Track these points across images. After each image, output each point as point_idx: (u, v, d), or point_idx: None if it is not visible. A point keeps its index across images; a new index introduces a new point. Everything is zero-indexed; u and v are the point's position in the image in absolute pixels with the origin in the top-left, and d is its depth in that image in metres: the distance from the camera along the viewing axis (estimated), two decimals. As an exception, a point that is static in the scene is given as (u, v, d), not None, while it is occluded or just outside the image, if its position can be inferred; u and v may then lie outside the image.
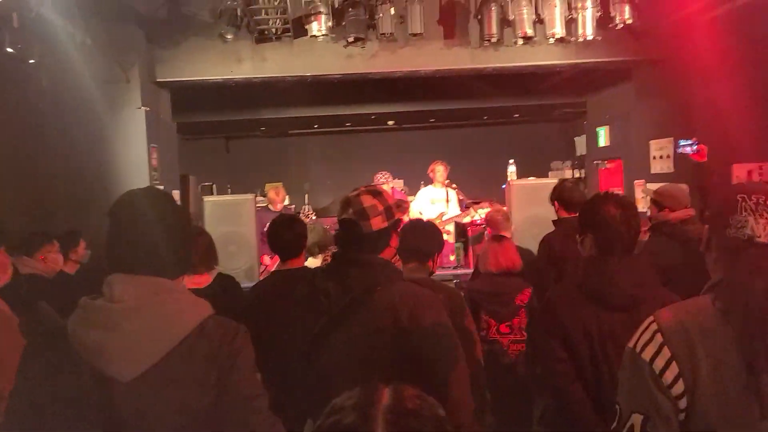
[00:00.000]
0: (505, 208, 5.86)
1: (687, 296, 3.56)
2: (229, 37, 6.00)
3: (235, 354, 1.58)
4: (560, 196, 4.46)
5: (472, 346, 3.02)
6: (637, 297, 2.29)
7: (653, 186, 6.64)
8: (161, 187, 6.23)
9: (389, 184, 7.75)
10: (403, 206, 6.60)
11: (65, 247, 4.69)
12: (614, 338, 2.27)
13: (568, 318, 2.35)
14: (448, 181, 7.49)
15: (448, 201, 7.41)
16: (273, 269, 6.65)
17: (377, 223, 2.23)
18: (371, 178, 7.87)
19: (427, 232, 3.32)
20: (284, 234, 3.37)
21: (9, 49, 4.08)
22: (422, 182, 10.76)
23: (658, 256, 3.86)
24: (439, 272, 6.26)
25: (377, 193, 2.32)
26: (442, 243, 3.35)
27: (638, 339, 1.61)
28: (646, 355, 1.56)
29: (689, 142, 4.17)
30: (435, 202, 7.44)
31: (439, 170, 7.46)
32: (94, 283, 4.25)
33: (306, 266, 3.48)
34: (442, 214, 7.31)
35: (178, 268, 1.64)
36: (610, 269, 2.33)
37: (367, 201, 2.25)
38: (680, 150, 4.25)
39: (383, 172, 7.93)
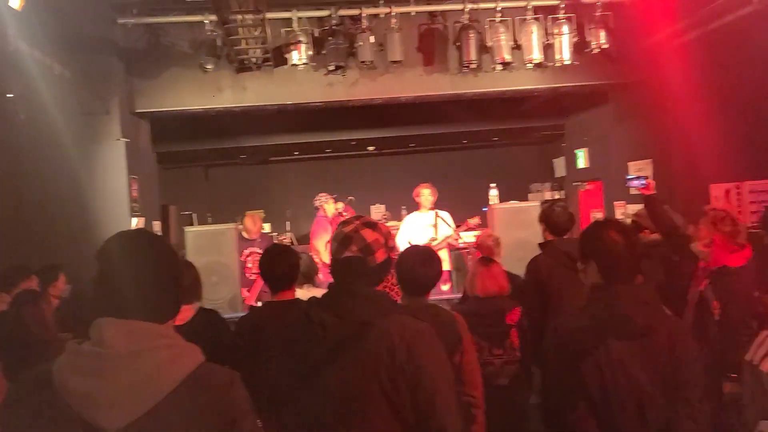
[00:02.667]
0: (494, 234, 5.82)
1: (675, 313, 3.63)
2: (209, 67, 6.00)
3: (233, 407, 1.54)
4: (548, 219, 4.48)
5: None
6: (646, 325, 2.28)
7: (633, 207, 6.74)
8: (142, 218, 6.17)
9: (329, 203, 7.43)
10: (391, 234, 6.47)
11: (44, 282, 4.60)
12: (624, 367, 2.25)
13: (576, 346, 2.32)
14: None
15: (436, 226, 7.26)
16: (252, 301, 6.65)
17: (381, 255, 2.24)
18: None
19: (430, 260, 3.31)
20: (279, 265, 3.30)
21: (-14, 84, 4.03)
22: (403, 207, 10.83)
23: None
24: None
25: (374, 226, 2.32)
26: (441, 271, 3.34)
27: (755, 352, 1.62)
28: (765, 366, 1.56)
29: (637, 176, 4.29)
30: (420, 228, 6.99)
31: (425, 194, 7.00)
32: (75, 320, 4.14)
33: (298, 298, 3.42)
34: (431, 240, 7.13)
35: (167, 312, 1.60)
36: (617, 297, 2.31)
37: (370, 236, 2.25)
38: (629, 184, 4.35)
39: (324, 194, 7.55)
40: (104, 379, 1.45)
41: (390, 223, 8.10)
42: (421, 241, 6.93)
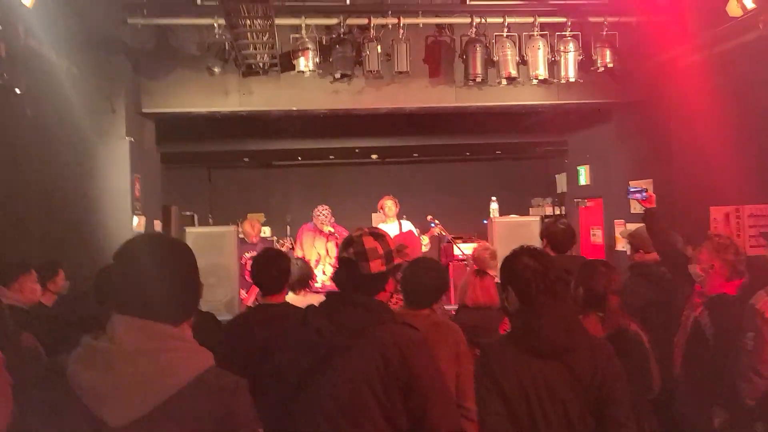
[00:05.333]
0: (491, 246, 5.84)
1: (658, 334, 3.64)
2: (216, 70, 6.03)
3: (237, 413, 1.56)
4: (551, 235, 4.52)
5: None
6: (567, 344, 2.33)
7: (632, 226, 6.75)
8: (143, 217, 6.19)
9: (327, 224, 7.21)
10: (403, 251, 6.51)
11: (43, 278, 4.59)
12: (549, 387, 2.29)
13: (501, 371, 2.35)
14: (430, 216, 7.42)
15: (401, 233, 7.22)
16: (250, 303, 6.67)
17: (376, 266, 2.27)
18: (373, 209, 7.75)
19: (436, 271, 3.34)
20: (269, 269, 3.35)
21: (-5, 79, 4.06)
22: (404, 216, 10.84)
23: (632, 296, 3.93)
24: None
25: (379, 236, 2.34)
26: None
27: None
28: None
29: (638, 188, 4.31)
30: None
31: (388, 205, 7.27)
32: (73, 316, 4.16)
33: (287, 302, 3.45)
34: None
35: (181, 314, 1.62)
36: (535, 319, 2.35)
37: (369, 243, 2.28)
38: (630, 196, 4.38)
39: (324, 206, 7.38)
40: (111, 375, 1.48)
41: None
42: None
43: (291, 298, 4.48)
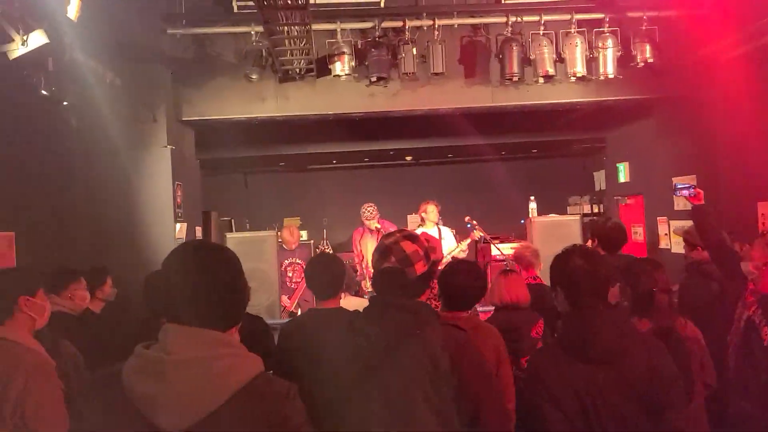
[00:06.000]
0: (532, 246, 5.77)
1: (717, 332, 3.56)
2: (253, 77, 6.10)
3: (289, 419, 1.57)
4: (601, 234, 4.44)
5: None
6: (618, 348, 2.26)
7: (676, 223, 6.62)
8: (185, 224, 6.29)
9: (374, 219, 7.13)
10: (435, 248, 6.45)
11: (92, 285, 4.69)
12: (603, 393, 2.23)
13: (554, 379, 2.29)
14: (468, 217, 7.30)
15: (441, 240, 7.04)
16: (291, 308, 6.71)
17: (420, 267, 2.27)
18: (406, 212, 7.70)
19: (477, 275, 3.31)
20: (323, 273, 3.32)
21: (44, 92, 4.17)
22: (440, 218, 10.81)
23: (692, 295, 3.84)
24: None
25: (415, 238, 2.35)
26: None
27: None
28: None
29: (686, 185, 4.20)
30: None
31: (432, 210, 7.15)
32: (120, 323, 4.23)
33: (342, 307, 3.44)
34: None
35: (230, 320, 1.65)
36: (585, 323, 2.29)
37: (409, 247, 2.28)
38: (677, 193, 4.27)
39: (368, 204, 7.25)
40: (165, 383, 1.50)
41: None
42: None
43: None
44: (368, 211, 7.08)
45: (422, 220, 7.29)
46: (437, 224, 7.18)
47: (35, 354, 2.65)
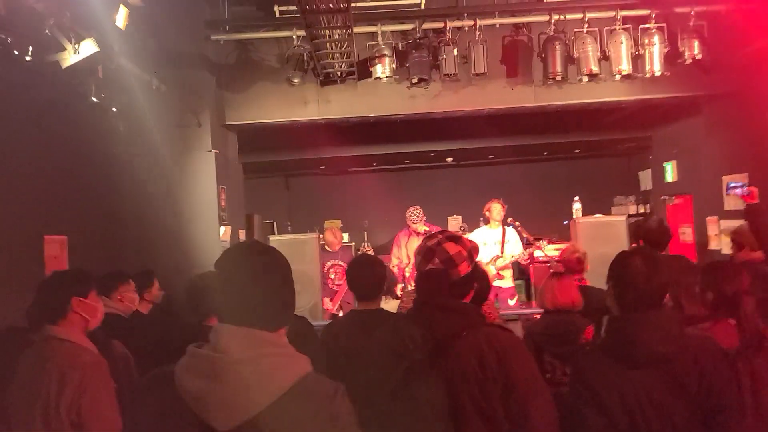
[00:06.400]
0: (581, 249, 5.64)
1: None
2: (295, 81, 6.17)
3: (338, 418, 1.58)
4: (646, 234, 4.38)
5: None
6: (664, 352, 2.18)
7: (726, 223, 6.43)
8: (229, 227, 6.38)
9: (420, 223, 7.05)
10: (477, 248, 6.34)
11: (140, 287, 4.79)
12: (650, 397, 2.17)
13: (600, 383, 2.23)
14: (510, 218, 7.19)
15: (504, 242, 6.97)
16: (334, 310, 6.75)
17: (464, 268, 2.25)
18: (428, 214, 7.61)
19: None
20: (365, 275, 3.32)
21: (94, 99, 4.28)
22: (480, 218, 10.72)
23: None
24: (501, 311, 6.15)
25: (458, 239, 2.34)
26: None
27: None
28: None
29: (739, 183, 4.08)
30: (487, 245, 6.94)
31: (496, 209, 6.99)
32: (166, 324, 4.31)
33: (383, 308, 3.45)
34: (496, 258, 6.91)
35: (279, 321, 1.66)
36: (631, 327, 2.22)
37: (452, 248, 2.27)
38: (730, 192, 4.15)
39: (414, 207, 7.21)
40: (217, 382, 1.53)
41: (467, 235, 7.98)
42: (486, 257, 6.83)
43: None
44: (414, 214, 7.07)
45: (486, 219, 7.19)
46: (502, 223, 7.04)
47: (90, 353, 2.72)
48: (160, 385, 1.66)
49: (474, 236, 7.18)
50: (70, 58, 3.78)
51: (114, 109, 4.53)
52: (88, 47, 3.83)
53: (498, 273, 6.87)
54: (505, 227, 7.04)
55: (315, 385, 1.60)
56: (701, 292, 2.88)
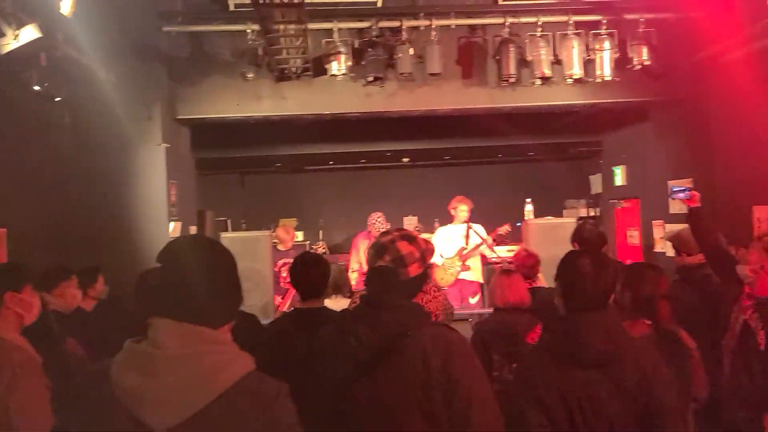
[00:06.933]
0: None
1: (705, 339, 3.53)
2: (250, 75, 6.08)
3: (277, 418, 1.55)
4: (580, 237, 4.47)
5: None
6: (608, 352, 2.23)
7: (671, 227, 6.61)
8: (179, 223, 6.25)
9: (383, 228, 6.94)
10: (432, 251, 6.28)
11: (83, 283, 4.67)
12: (590, 397, 2.20)
13: (542, 382, 2.26)
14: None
15: (468, 237, 6.97)
16: (284, 308, 6.68)
17: (414, 269, 2.24)
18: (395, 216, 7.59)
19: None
20: (309, 272, 3.32)
21: (36, 87, 4.14)
22: (436, 219, 10.78)
23: (678, 300, 3.81)
24: (460, 310, 6.17)
25: (412, 239, 2.33)
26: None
27: None
28: None
29: (682, 188, 4.20)
30: (451, 240, 7.00)
31: (462, 208, 6.99)
32: (112, 321, 4.20)
33: (326, 306, 3.43)
34: (461, 249, 6.94)
35: (222, 318, 1.62)
36: (577, 327, 2.26)
37: (405, 248, 2.26)
38: (673, 196, 4.27)
39: (377, 213, 7.23)
40: (154, 379, 1.48)
41: (423, 235, 7.96)
42: (451, 251, 6.91)
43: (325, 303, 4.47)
44: (378, 222, 7.07)
45: (451, 217, 7.18)
46: (467, 222, 7.02)
47: (21, 351, 2.62)
48: (95, 381, 1.61)
49: (438, 233, 7.27)
50: (10, 44, 3.65)
51: (57, 99, 4.39)
52: (29, 33, 3.70)
53: (464, 264, 6.90)
54: (470, 224, 7.05)
55: (256, 384, 1.56)
56: (620, 292, 2.94)
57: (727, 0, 5.97)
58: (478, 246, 6.93)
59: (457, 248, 6.97)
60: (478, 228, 7.05)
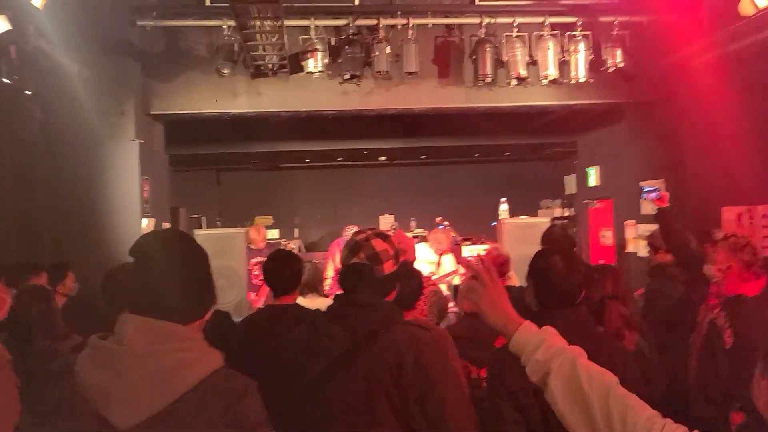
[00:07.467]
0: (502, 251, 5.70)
1: (684, 334, 3.58)
2: (225, 71, 6.03)
3: (245, 415, 1.53)
4: (550, 239, 4.52)
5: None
6: (582, 349, 2.26)
7: (644, 227, 6.70)
8: (152, 220, 6.19)
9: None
10: (406, 250, 6.08)
11: (53, 280, 4.60)
12: None
13: (514, 377, 2.28)
14: (440, 218, 7.18)
15: (439, 264, 6.74)
16: (260, 305, 6.63)
17: (389, 267, 2.24)
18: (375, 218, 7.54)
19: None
20: (281, 270, 3.32)
21: (6, 80, 4.06)
22: (412, 218, 10.81)
23: (659, 297, 3.88)
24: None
25: (386, 237, 2.33)
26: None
27: None
28: None
29: (653, 188, 4.29)
30: (422, 263, 6.47)
31: (442, 240, 6.70)
32: (82, 318, 4.16)
33: (298, 304, 3.43)
34: (431, 274, 6.90)
35: (192, 314, 1.60)
36: (549, 322, 2.30)
37: (379, 245, 2.26)
38: (644, 196, 4.36)
39: (351, 226, 6.90)
40: (118, 376, 1.45)
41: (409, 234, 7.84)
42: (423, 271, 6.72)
43: (299, 301, 4.46)
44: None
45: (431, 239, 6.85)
46: (439, 253, 6.72)
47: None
48: (59, 377, 1.58)
49: (418, 249, 7.06)
50: (-22, 35, 3.58)
51: (27, 92, 4.31)
52: (-1, 25, 3.63)
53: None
54: (443, 256, 6.90)
55: (224, 381, 1.54)
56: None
57: (697, 5, 6.08)
58: (448, 275, 6.89)
59: (426, 272, 6.88)
60: (448, 259, 6.97)
